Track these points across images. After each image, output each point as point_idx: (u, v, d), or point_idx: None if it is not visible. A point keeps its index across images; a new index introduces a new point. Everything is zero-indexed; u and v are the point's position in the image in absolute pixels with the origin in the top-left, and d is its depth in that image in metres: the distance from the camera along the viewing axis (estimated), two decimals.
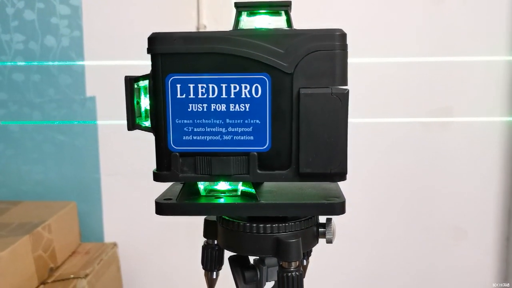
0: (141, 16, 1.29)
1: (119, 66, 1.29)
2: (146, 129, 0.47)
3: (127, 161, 1.34)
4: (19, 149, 1.32)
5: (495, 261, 1.36)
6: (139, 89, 0.47)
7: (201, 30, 1.26)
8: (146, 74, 0.46)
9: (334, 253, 1.34)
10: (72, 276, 1.10)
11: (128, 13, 1.28)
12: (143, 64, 1.20)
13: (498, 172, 1.31)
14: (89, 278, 1.10)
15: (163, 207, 0.46)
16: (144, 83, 0.47)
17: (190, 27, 1.27)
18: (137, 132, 1.07)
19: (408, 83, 1.28)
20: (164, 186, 1.01)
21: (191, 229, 1.33)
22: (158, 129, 0.45)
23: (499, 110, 1.28)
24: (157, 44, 0.43)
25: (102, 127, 1.32)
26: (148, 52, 0.45)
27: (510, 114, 1.28)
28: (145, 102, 0.47)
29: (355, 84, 1.27)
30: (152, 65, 0.44)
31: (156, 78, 0.44)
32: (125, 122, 1.11)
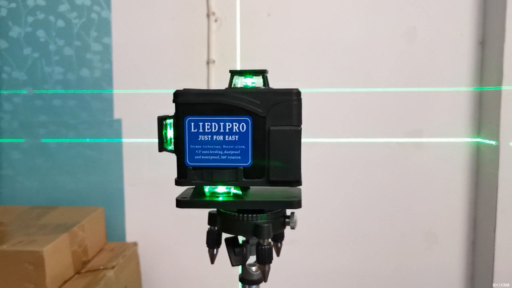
0: (160, 53, 1.53)
1: (142, 94, 1.53)
2: (170, 151, 0.70)
3: (146, 174, 1.57)
4: (56, 162, 1.57)
5: (462, 262, 1.55)
6: (166, 124, 0.70)
7: (210, 64, 1.49)
8: (171, 115, 0.70)
9: (319, 253, 1.55)
10: (101, 267, 1.34)
11: (150, 50, 1.53)
12: (159, 93, 1.46)
13: (463, 184, 1.52)
14: (115, 270, 1.33)
15: (181, 203, 0.69)
16: (169, 121, 0.70)
17: (202, 61, 1.50)
18: (155, 150, 1.40)
19: (385, 109, 1.50)
20: (176, 193, 1.31)
21: (200, 231, 1.55)
22: (179, 151, 0.68)
23: (462, 132, 1.49)
24: (179, 97, 0.67)
25: (126, 145, 1.56)
26: (173, 102, 0.68)
27: (471, 135, 1.49)
28: (170, 133, 0.70)
29: (342, 110, 1.50)
30: (176, 110, 0.68)
31: (178, 119, 0.68)
32: (145, 140, 1.43)
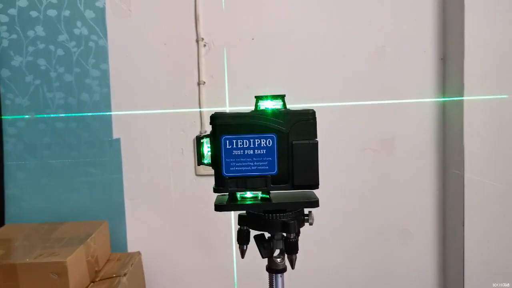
0: (154, 76, 1.66)
1: (138, 114, 1.66)
2: (207, 164, 0.86)
3: (144, 189, 1.70)
4: (60, 181, 1.66)
5: (434, 254, 1.74)
6: (202, 142, 0.85)
7: (201, 85, 1.64)
8: (207, 134, 0.85)
9: (306, 251, 1.70)
10: (114, 275, 1.45)
11: (144, 73, 1.66)
12: (154, 113, 1.59)
13: (432, 186, 1.71)
14: (127, 276, 1.45)
15: (219, 207, 0.84)
16: (205, 139, 0.85)
17: (193, 83, 1.65)
18: (151, 167, 1.54)
19: (359, 120, 1.69)
20: (171, 205, 1.46)
21: (197, 241, 1.69)
22: (217, 164, 0.83)
23: (429, 138, 1.69)
24: (216, 120, 0.83)
25: (125, 162, 1.67)
26: (210, 124, 0.84)
27: (437, 141, 1.69)
28: (205, 150, 0.85)
29: (322, 121, 1.66)
30: (213, 130, 0.83)
31: (216, 137, 0.83)
32: (143, 157, 1.58)
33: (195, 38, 1.64)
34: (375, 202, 1.72)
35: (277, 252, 0.90)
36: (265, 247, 0.88)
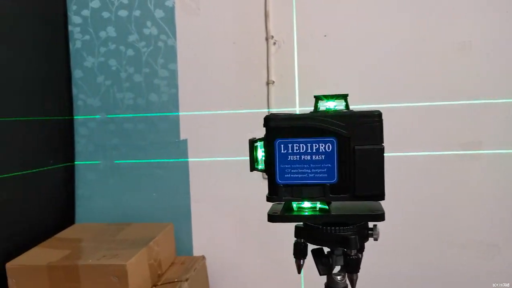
0: (222, 75, 1.62)
1: (206, 115, 1.62)
2: (261, 170, 0.77)
3: (211, 191, 1.66)
4: (128, 182, 1.67)
5: None
6: (256, 146, 0.77)
7: (270, 85, 1.57)
8: (261, 138, 0.77)
9: (378, 260, 1.57)
10: (176, 279, 1.42)
11: (212, 73, 1.62)
12: (222, 113, 1.54)
13: None
14: (189, 282, 1.41)
15: (273, 218, 0.75)
16: (259, 143, 0.77)
17: (262, 83, 1.58)
18: (218, 168, 1.47)
19: (442, 122, 1.53)
20: (239, 209, 1.37)
21: (263, 248, 1.61)
22: (270, 170, 0.75)
23: None
24: (270, 122, 0.74)
25: (192, 164, 1.65)
26: (263, 126, 0.75)
27: None
28: (259, 154, 0.77)
29: (399, 124, 1.53)
30: (266, 133, 0.75)
31: (269, 141, 0.75)
32: (209, 159, 1.51)
33: (264, 36, 1.58)
34: (454, 213, 1.54)
35: (337, 269, 0.80)
36: (323, 263, 0.78)
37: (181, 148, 1.64)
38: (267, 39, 1.56)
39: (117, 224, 1.61)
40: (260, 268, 1.63)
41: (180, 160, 1.64)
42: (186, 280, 1.41)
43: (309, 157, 0.74)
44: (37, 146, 1.52)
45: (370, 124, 0.71)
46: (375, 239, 0.77)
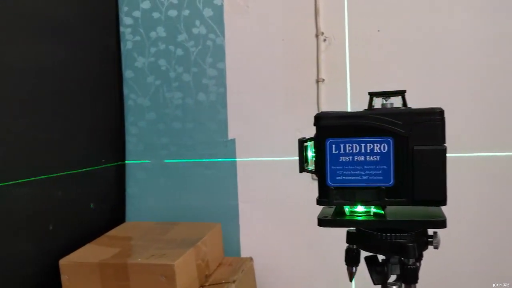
0: (270, 74, 1.59)
1: (254, 114, 1.59)
2: (310, 171, 0.73)
3: (259, 191, 1.63)
4: (177, 181, 1.68)
5: None
6: (306, 147, 0.73)
7: (319, 83, 1.52)
8: (311, 137, 0.73)
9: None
10: (223, 281, 1.40)
11: (260, 72, 1.59)
12: (270, 112, 1.51)
13: None
14: (236, 284, 1.39)
15: (323, 222, 0.71)
16: (309, 143, 0.73)
17: (311, 81, 1.54)
18: (266, 168, 1.43)
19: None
20: (288, 210, 1.32)
21: (313, 251, 1.57)
22: (321, 172, 0.71)
23: None
24: (320, 120, 0.70)
25: (240, 163, 1.63)
26: (314, 125, 0.71)
27: None
28: (309, 155, 0.73)
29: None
30: (317, 133, 0.71)
31: (320, 141, 0.70)
32: (258, 159, 1.47)
33: (314, 32, 1.53)
34: None
35: (393, 278, 0.75)
36: (377, 272, 0.73)
37: (229, 148, 1.63)
38: (317, 35, 1.52)
39: (165, 223, 1.62)
40: (309, 273, 1.58)
41: (228, 160, 1.63)
42: (234, 282, 1.39)
43: (362, 158, 0.69)
44: (89, 146, 1.55)
45: (430, 123, 0.66)
46: (435, 247, 0.71)
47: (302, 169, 0.74)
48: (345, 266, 1.46)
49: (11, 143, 1.24)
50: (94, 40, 1.58)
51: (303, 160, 0.73)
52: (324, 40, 1.51)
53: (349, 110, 1.48)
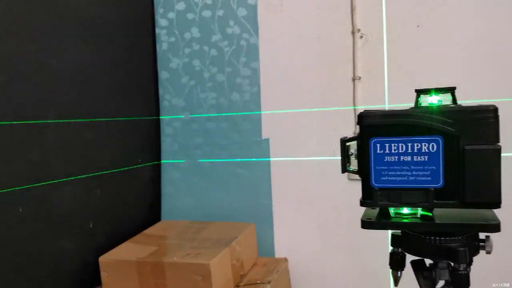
0: (304, 72, 1.56)
1: (288, 113, 1.58)
2: (353, 172, 0.71)
3: (293, 191, 1.61)
4: (210, 181, 1.68)
5: None
6: (348, 146, 0.71)
7: (356, 81, 1.49)
8: (354, 137, 0.71)
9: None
10: (258, 281, 1.39)
11: (295, 70, 1.57)
12: (304, 111, 1.49)
13: None
14: (271, 284, 1.38)
15: (367, 224, 0.69)
16: (350, 143, 0.71)
17: (347, 79, 1.51)
18: (300, 168, 1.40)
19: None
20: (323, 210, 1.29)
21: (349, 253, 1.54)
22: (364, 172, 0.69)
23: None
24: (364, 119, 0.68)
25: (274, 163, 1.61)
26: (357, 124, 0.69)
27: None
28: (351, 154, 0.71)
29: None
30: (360, 132, 0.69)
31: (363, 141, 0.68)
32: (292, 159, 1.45)
33: (350, 30, 1.50)
34: None
35: (441, 283, 0.72)
36: (425, 277, 0.71)
37: (263, 147, 1.61)
38: (353, 32, 1.49)
39: (200, 222, 1.62)
40: (346, 275, 1.55)
41: (262, 159, 1.62)
42: (269, 282, 1.38)
43: (409, 158, 0.66)
44: (127, 146, 1.56)
45: (483, 121, 0.63)
46: (488, 252, 0.68)
47: (345, 169, 0.72)
48: (384, 270, 1.43)
49: (54, 143, 1.27)
50: (131, 42, 1.59)
51: (345, 160, 0.71)
52: (361, 37, 1.48)
53: (386, 108, 1.45)
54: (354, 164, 0.72)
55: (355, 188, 1.50)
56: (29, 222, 1.19)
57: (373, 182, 0.69)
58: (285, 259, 1.57)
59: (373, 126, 0.68)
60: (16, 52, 1.16)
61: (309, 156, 1.56)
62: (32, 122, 1.20)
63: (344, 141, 0.72)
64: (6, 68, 1.13)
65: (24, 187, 1.17)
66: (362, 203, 0.70)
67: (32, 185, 1.20)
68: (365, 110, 0.70)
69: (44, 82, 1.24)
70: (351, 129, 1.50)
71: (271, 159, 1.61)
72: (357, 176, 1.40)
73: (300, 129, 1.58)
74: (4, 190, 1.11)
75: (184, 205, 1.69)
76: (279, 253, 1.63)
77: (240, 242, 1.44)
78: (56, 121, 1.28)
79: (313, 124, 1.55)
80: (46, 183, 1.24)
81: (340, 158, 1.38)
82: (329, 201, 1.55)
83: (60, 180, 1.29)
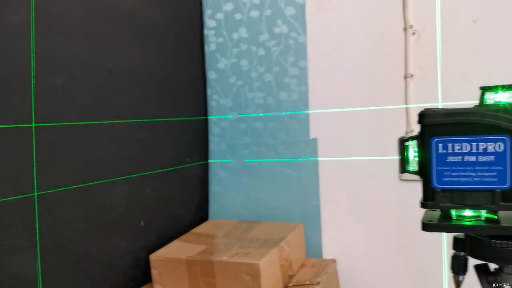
0: (354, 71, 1.54)
1: (337, 112, 1.56)
2: (412, 172, 0.69)
3: (342, 192, 1.58)
4: (258, 180, 1.68)
5: None
6: (407, 146, 0.69)
7: (408, 78, 1.45)
8: (413, 136, 0.69)
9: None
10: (307, 282, 1.38)
11: (344, 69, 1.55)
12: (354, 111, 1.46)
13: None
14: (320, 286, 1.36)
15: (429, 226, 0.67)
16: (411, 142, 0.69)
17: (398, 77, 1.47)
18: (348, 168, 1.36)
19: None
20: (371, 211, 1.26)
21: (400, 256, 1.50)
22: (425, 173, 0.66)
23: None
24: (425, 118, 0.66)
25: (322, 163, 1.59)
26: (418, 123, 0.67)
27: None
28: (411, 154, 0.69)
29: None
30: (421, 131, 0.67)
31: (424, 140, 0.66)
32: (340, 159, 1.42)
33: (402, 26, 1.46)
34: None
35: None
36: (489, 282, 0.68)
37: (311, 147, 1.60)
38: (405, 29, 1.45)
39: (248, 222, 1.63)
40: (397, 279, 1.51)
41: (310, 159, 1.60)
42: (318, 283, 1.37)
43: (474, 158, 0.64)
44: (176, 145, 1.59)
45: None
46: None
47: (403, 169, 0.70)
48: (438, 274, 1.39)
49: (108, 143, 1.31)
50: (180, 43, 1.62)
51: (404, 160, 0.69)
52: (413, 33, 1.44)
53: (440, 106, 1.40)
54: (413, 165, 0.70)
55: (407, 189, 1.48)
56: (84, 220, 1.23)
57: (435, 183, 0.66)
58: (334, 261, 1.55)
59: (435, 125, 0.66)
60: (73, 56, 1.20)
61: (359, 156, 1.53)
62: (88, 123, 1.24)
63: (402, 141, 0.70)
64: (64, 71, 1.17)
65: (81, 185, 1.21)
66: (423, 205, 0.68)
67: (88, 184, 1.24)
68: (426, 108, 0.68)
69: (99, 84, 1.28)
70: (402, 128, 1.46)
71: (319, 158, 1.60)
72: (409, 177, 1.37)
73: (349, 128, 1.55)
74: (62, 189, 1.15)
75: (231, 205, 1.70)
76: (327, 254, 1.61)
77: (289, 242, 1.44)
78: (110, 121, 1.31)
79: (363, 123, 1.53)
80: (99, 182, 1.28)
81: (394, 158, 1.35)
82: (380, 202, 1.52)
83: (113, 179, 1.33)
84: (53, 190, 1.13)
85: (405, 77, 1.45)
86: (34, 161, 1.08)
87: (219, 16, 1.68)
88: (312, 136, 1.60)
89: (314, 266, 1.51)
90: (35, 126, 1.08)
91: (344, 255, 1.59)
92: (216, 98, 1.71)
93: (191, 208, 1.68)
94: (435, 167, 0.66)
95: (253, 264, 1.25)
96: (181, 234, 1.54)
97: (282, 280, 1.37)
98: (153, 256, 1.37)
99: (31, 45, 1.07)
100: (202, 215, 1.73)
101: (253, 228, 1.56)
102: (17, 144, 1.04)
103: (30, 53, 1.07)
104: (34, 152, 1.08)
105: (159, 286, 1.37)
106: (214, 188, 1.72)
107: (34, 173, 1.08)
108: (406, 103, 1.45)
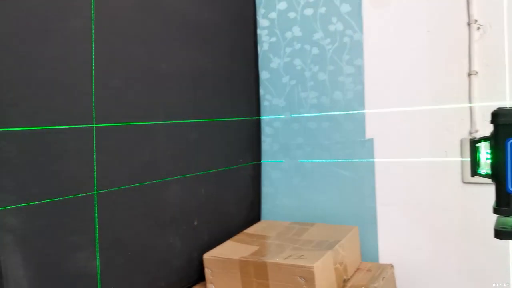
0: (413, 68, 1.48)
1: (394, 112, 1.50)
2: (484, 176, 0.65)
3: (399, 194, 1.52)
4: (311, 181, 1.65)
5: None
6: (478, 147, 0.65)
7: (472, 76, 1.37)
8: (485, 137, 0.64)
9: None
10: (363, 287, 1.33)
11: (402, 67, 1.49)
12: (413, 110, 1.40)
13: None
14: None
15: (500, 233, 0.62)
16: (482, 144, 0.64)
17: (462, 74, 1.40)
18: (407, 170, 1.29)
19: None
20: (432, 215, 1.18)
21: (462, 262, 1.42)
22: (499, 176, 0.62)
23: None
24: (500, 117, 0.61)
25: (378, 164, 1.54)
26: (491, 123, 0.62)
27: None
28: (483, 157, 0.64)
29: None
30: (495, 131, 0.62)
31: (498, 141, 0.61)
32: (398, 160, 1.36)
33: (466, 21, 1.39)
34: None
35: None
36: None
37: (367, 148, 1.55)
38: (469, 24, 1.37)
39: (301, 223, 1.60)
40: (452, 282, 1.44)
41: (365, 160, 1.55)
42: None
43: None
44: (229, 145, 1.59)
45: None
46: None
47: (474, 173, 0.65)
48: (504, 284, 1.31)
49: (162, 143, 1.32)
50: (234, 44, 1.62)
51: (475, 163, 0.65)
52: (478, 28, 1.36)
53: (508, 105, 1.31)
54: (484, 167, 0.65)
55: (470, 192, 1.40)
56: (140, 218, 1.25)
57: (510, 188, 0.61)
58: (391, 265, 1.49)
59: (510, 125, 0.61)
60: (129, 57, 1.22)
61: (418, 157, 1.47)
62: (144, 123, 1.26)
63: (473, 142, 0.65)
64: (121, 73, 1.20)
65: (137, 185, 1.24)
66: (496, 210, 0.64)
67: (143, 183, 1.26)
68: (500, 108, 0.63)
69: (154, 85, 1.30)
70: (465, 128, 1.39)
71: (375, 160, 1.54)
72: (473, 179, 1.30)
73: (408, 128, 1.49)
74: (120, 188, 1.18)
75: (284, 205, 1.69)
76: (383, 258, 1.56)
77: (344, 245, 1.40)
78: (164, 122, 1.33)
79: (423, 123, 1.46)
80: (155, 181, 1.30)
81: (456, 159, 1.29)
82: (440, 206, 1.45)
83: (167, 179, 1.34)
84: (112, 189, 1.15)
85: (469, 75, 1.38)
86: (95, 160, 1.11)
87: (273, 15, 1.67)
88: (368, 136, 1.55)
89: (370, 271, 1.46)
90: (96, 127, 1.11)
91: (402, 260, 1.53)
92: (269, 98, 1.69)
93: (243, 208, 1.68)
94: (510, 170, 0.61)
95: (307, 267, 1.22)
96: (233, 234, 1.54)
97: (337, 284, 1.34)
98: (207, 256, 1.37)
99: (92, 48, 1.10)
100: (254, 216, 1.72)
101: (306, 230, 1.53)
102: (79, 144, 1.08)
103: (92, 56, 1.10)
104: (95, 151, 1.11)
105: (212, 285, 1.37)
106: (266, 188, 1.71)
107: (95, 172, 1.10)
108: (470, 102, 1.38)
